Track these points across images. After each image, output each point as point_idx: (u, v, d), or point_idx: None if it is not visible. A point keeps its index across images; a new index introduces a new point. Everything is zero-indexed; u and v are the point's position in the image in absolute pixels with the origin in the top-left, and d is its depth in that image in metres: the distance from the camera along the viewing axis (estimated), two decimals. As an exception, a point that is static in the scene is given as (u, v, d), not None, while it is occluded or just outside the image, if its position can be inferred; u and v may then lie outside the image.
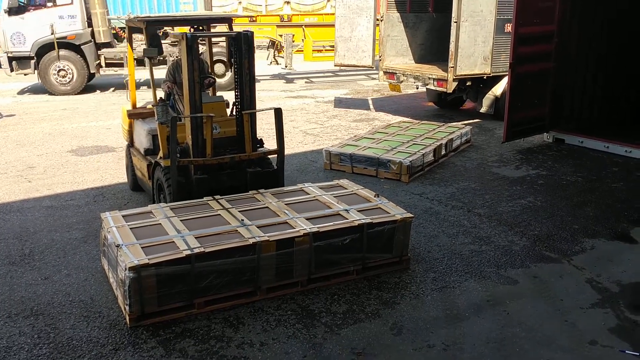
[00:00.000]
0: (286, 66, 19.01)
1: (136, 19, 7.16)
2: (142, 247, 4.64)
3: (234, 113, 6.39)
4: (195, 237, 4.81)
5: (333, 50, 19.04)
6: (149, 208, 5.55)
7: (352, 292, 5.05)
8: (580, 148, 9.71)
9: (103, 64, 15.67)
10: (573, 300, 4.95)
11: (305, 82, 17.80)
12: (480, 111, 11.91)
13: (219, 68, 13.99)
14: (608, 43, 10.29)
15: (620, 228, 6.50)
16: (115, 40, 16.33)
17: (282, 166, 6.42)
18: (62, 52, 14.93)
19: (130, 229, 5.02)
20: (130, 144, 7.53)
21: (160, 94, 6.97)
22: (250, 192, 5.96)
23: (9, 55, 14.89)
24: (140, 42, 16.59)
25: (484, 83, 11.65)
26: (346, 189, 6.14)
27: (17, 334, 4.41)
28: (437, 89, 11.67)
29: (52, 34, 14.61)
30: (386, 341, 4.35)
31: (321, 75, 19.30)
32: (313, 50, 18.97)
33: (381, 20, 12.54)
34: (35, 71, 15.07)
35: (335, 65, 13.24)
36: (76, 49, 15.19)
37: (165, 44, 14.53)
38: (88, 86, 15.94)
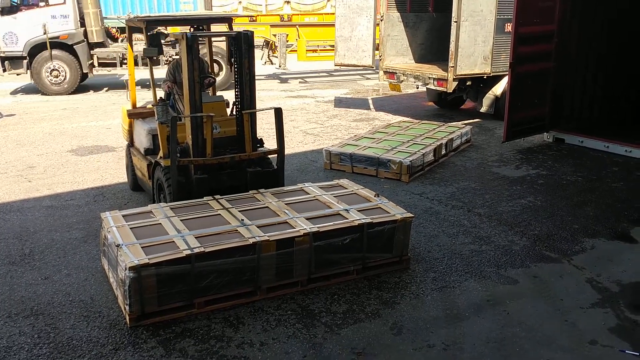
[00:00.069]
0: (280, 66, 19.00)
1: (136, 18, 7.16)
2: (142, 247, 4.64)
3: (234, 113, 6.39)
4: (196, 237, 4.81)
5: (327, 50, 19.13)
6: (149, 208, 5.55)
7: (352, 292, 5.05)
8: (581, 148, 9.72)
9: (96, 63, 15.60)
10: (573, 300, 4.95)
11: (299, 82, 17.79)
12: (481, 111, 11.91)
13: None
14: (608, 43, 10.29)
15: (620, 228, 6.50)
16: (109, 40, 16.29)
17: (282, 166, 6.42)
18: (55, 52, 14.86)
19: (131, 228, 5.02)
20: (130, 143, 7.53)
21: (160, 93, 6.97)
22: (251, 191, 5.96)
23: (2, 55, 14.83)
24: (137, 42, 16.67)
25: (484, 83, 11.65)
26: (346, 188, 6.14)
27: (17, 334, 4.42)
28: (437, 88, 11.67)
29: (44, 33, 14.54)
30: (386, 341, 4.35)
31: (315, 75, 19.30)
32: (307, 50, 18.94)
33: (381, 20, 12.54)
34: (28, 71, 15.00)
35: (335, 65, 13.24)
36: (69, 48, 15.11)
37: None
38: (81, 86, 15.90)
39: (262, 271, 4.83)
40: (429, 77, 11.61)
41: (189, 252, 4.55)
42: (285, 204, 5.61)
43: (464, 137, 9.84)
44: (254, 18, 21.58)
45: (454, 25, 10.72)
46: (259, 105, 6.61)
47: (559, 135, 10.14)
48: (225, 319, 4.61)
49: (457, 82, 11.13)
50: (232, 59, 6.24)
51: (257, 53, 19.65)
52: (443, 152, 9.02)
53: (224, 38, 7.82)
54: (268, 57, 19.88)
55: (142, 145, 6.95)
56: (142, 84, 15.35)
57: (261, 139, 6.57)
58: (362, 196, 5.90)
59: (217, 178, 6.15)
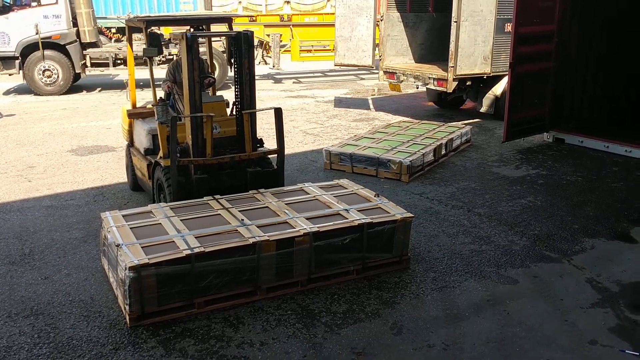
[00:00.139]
0: (274, 66, 18.99)
1: (136, 18, 7.16)
2: (142, 247, 4.64)
3: (234, 113, 6.39)
4: (195, 237, 4.81)
5: (322, 50, 19.12)
6: (149, 208, 5.55)
7: (352, 291, 5.05)
8: (580, 148, 9.72)
9: (88, 63, 15.56)
10: (573, 300, 4.95)
11: (294, 82, 17.78)
12: (480, 111, 11.91)
13: None
14: (608, 43, 10.29)
15: (620, 228, 6.50)
16: (102, 40, 16.25)
17: (282, 166, 6.42)
18: (47, 52, 14.82)
19: (130, 228, 5.02)
20: (130, 143, 7.53)
21: (160, 93, 6.97)
22: (250, 191, 5.96)
23: None
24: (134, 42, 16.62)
25: (484, 83, 11.65)
26: (346, 188, 6.14)
27: (17, 334, 4.41)
28: (437, 88, 11.67)
29: (36, 33, 14.49)
30: (386, 341, 4.35)
31: (310, 75, 19.29)
32: (300, 50, 18.92)
33: (381, 20, 12.54)
34: (20, 71, 14.95)
35: (335, 65, 13.24)
36: (61, 48, 15.06)
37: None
38: (74, 86, 15.88)
39: (262, 271, 4.83)
40: (429, 77, 11.61)
41: (189, 252, 4.55)
42: (285, 204, 5.61)
43: (464, 137, 9.85)
44: (254, 18, 21.58)
45: (454, 25, 10.72)
46: (258, 105, 6.61)
47: (559, 135, 10.14)
48: (225, 319, 4.61)
49: (457, 82, 11.13)
50: (232, 59, 6.23)
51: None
52: (443, 152, 9.02)
53: (218, 38, 7.83)
54: (262, 57, 19.87)
55: (142, 145, 6.95)
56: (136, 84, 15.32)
57: (261, 139, 6.57)
58: (362, 196, 5.90)
59: (217, 178, 6.15)
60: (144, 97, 11.69)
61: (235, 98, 6.26)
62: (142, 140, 6.95)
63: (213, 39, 9.80)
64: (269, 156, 6.56)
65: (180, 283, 4.54)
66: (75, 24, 15.18)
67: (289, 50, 19.33)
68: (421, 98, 14.42)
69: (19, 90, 15.91)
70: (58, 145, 10.12)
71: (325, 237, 5.03)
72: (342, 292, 5.04)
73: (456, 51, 10.79)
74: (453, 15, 10.69)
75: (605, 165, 8.79)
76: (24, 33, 14.63)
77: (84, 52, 15.43)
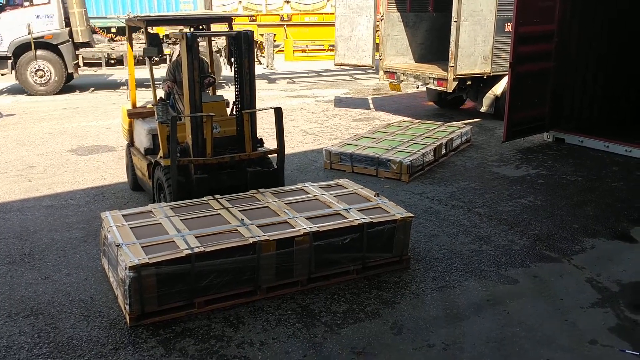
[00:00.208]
0: (267, 66, 18.97)
1: (136, 18, 7.16)
2: (142, 247, 4.64)
3: (234, 112, 6.39)
4: (196, 237, 4.81)
5: (316, 50, 19.06)
6: (149, 207, 5.55)
7: (352, 291, 5.05)
8: (581, 147, 9.71)
9: (81, 63, 15.56)
10: (573, 299, 4.95)
11: (287, 82, 17.77)
12: (481, 110, 11.91)
13: None
14: (608, 43, 10.29)
15: (620, 227, 6.50)
16: (95, 40, 16.24)
17: (282, 166, 6.42)
18: (40, 52, 14.78)
19: (131, 228, 5.02)
20: (131, 143, 7.53)
21: (160, 93, 6.97)
22: (251, 191, 5.96)
23: None
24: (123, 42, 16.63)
25: (484, 82, 11.65)
26: (346, 188, 6.14)
27: (17, 334, 4.41)
28: (437, 88, 11.66)
29: (29, 33, 14.45)
30: (386, 340, 4.35)
31: (304, 75, 19.27)
32: (294, 50, 18.86)
33: (381, 20, 12.54)
34: (13, 71, 14.91)
35: (335, 65, 13.25)
36: (54, 48, 15.03)
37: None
38: (68, 86, 15.87)
39: (262, 271, 4.83)
40: (429, 77, 11.61)
41: (189, 251, 4.55)
42: (285, 203, 5.61)
43: (464, 137, 9.84)
44: (254, 18, 21.57)
45: (454, 25, 10.72)
46: (258, 105, 6.61)
47: (559, 135, 10.14)
48: (225, 319, 4.61)
49: (457, 82, 11.13)
50: (232, 59, 6.23)
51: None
52: (443, 151, 9.02)
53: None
54: (256, 57, 19.84)
55: (142, 145, 6.95)
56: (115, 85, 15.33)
57: (261, 139, 6.57)
58: (362, 196, 5.91)
59: (217, 178, 6.15)
60: (144, 97, 11.68)
61: (236, 98, 6.26)
62: (142, 140, 6.95)
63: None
64: (269, 156, 6.56)
65: (181, 283, 4.54)
66: (68, 24, 15.15)
67: (283, 50, 19.26)
68: (421, 98, 14.42)
69: (12, 91, 15.87)
70: (58, 145, 10.12)
71: (325, 237, 5.03)
72: (342, 291, 5.04)
73: (456, 51, 10.79)
74: (453, 15, 10.69)
75: (605, 165, 8.79)
76: (16, 33, 14.58)
77: (77, 52, 15.40)
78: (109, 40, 16.76)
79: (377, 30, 12.63)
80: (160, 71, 15.66)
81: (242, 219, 5.16)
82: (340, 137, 10.34)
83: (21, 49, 14.75)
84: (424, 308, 4.80)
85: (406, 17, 12.88)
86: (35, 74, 14.94)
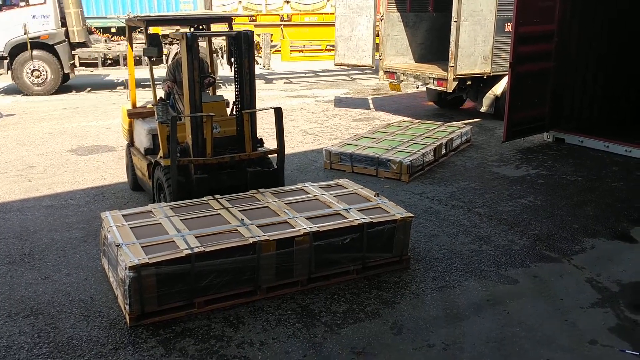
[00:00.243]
0: (264, 66, 18.96)
1: (136, 18, 7.16)
2: (142, 247, 4.64)
3: (234, 112, 6.38)
4: (195, 237, 4.81)
5: (313, 50, 19.03)
6: (149, 207, 5.55)
7: (352, 291, 5.05)
8: (580, 147, 9.71)
9: (77, 63, 15.53)
10: (573, 299, 4.95)
11: (284, 82, 17.76)
12: (480, 111, 11.91)
13: None
14: (608, 42, 10.29)
15: (620, 227, 6.50)
16: (92, 40, 16.22)
17: (282, 166, 6.42)
18: (36, 52, 14.75)
19: (130, 228, 5.02)
20: (131, 143, 7.53)
21: (160, 93, 6.97)
22: (251, 191, 5.96)
23: None
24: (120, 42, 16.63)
25: (484, 82, 11.65)
26: (346, 188, 6.14)
27: (17, 333, 4.41)
28: (437, 88, 11.66)
29: (25, 33, 14.40)
30: (386, 340, 4.35)
31: (302, 75, 19.25)
32: (291, 51, 18.82)
33: (381, 20, 12.54)
34: (9, 71, 14.89)
35: (335, 65, 13.25)
36: (50, 48, 14.99)
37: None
38: (64, 87, 15.85)
39: (262, 271, 4.83)
40: (429, 77, 11.61)
41: (189, 251, 4.55)
42: (285, 203, 5.61)
43: (464, 137, 9.84)
44: (254, 18, 21.57)
45: (454, 25, 10.72)
46: (258, 105, 6.61)
47: (559, 135, 10.14)
48: (225, 319, 4.61)
49: (457, 82, 11.13)
50: (232, 59, 6.23)
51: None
52: (443, 151, 9.02)
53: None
54: None
55: (142, 145, 6.95)
56: (106, 85, 15.27)
57: (261, 139, 6.57)
58: (362, 196, 5.90)
59: (217, 178, 6.15)
60: (144, 97, 11.68)
61: (236, 98, 6.26)
62: (142, 140, 6.95)
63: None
64: (269, 156, 6.56)
65: (180, 283, 4.54)
66: (64, 24, 15.12)
67: (280, 51, 19.23)
68: (421, 98, 14.42)
69: (8, 91, 15.84)
70: (58, 145, 10.12)
71: (325, 237, 5.03)
72: (342, 291, 5.04)
73: (456, 51, 10.79)
74: (453, 15, 10.69)
75: (605, 165, 8.79)
76: (12, 33, 14.53)
77: (73, 52, 15.38)
78: (105, 41, 16.75)
79: (377, 31, 12.64)
80: (158, 72, 15.67)
81: (242, 219, 5.16)
82: (340, 137, 10.34)
83: (17, 49, 14.72)
84: (424, 308, 4.80)
85: (406, 17, 12.88)
86: (32, 74, 14.91)
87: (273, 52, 18.96)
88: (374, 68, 13.44)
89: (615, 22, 10.17)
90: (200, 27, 6.89)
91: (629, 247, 6.04)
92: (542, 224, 6.55)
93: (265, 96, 14.77)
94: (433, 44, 13.22)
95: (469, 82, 11.54)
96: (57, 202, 7.26)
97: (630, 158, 9.03)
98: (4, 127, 11.53)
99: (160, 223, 5.12)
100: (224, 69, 14.13)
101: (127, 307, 4.46)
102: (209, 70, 7.35)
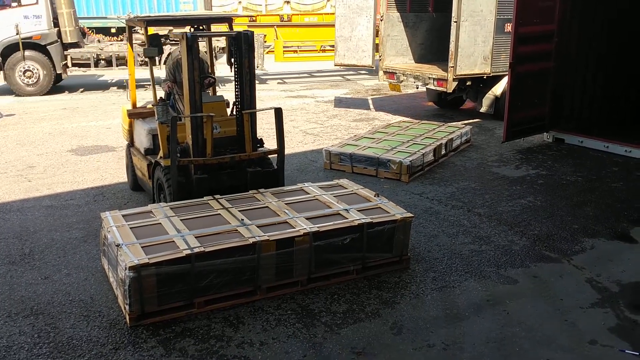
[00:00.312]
0: (258, 66, 18.95)
1: (136, 18, 7.16)
2: (142, 247, 4.64)
3: (234, 113, 6.39)
4: (195, 237, 4.81)
5: (307, 51, 19.04)
6: (149, 207, 5.55)
7: (352, 291, 5.05)
8: (580, 148, 9.72)
9: (70, 64, 15.50)
10: (573, 299, 4.95)
11: (278, 83, 17.76)
12: (480, 111, 11.91)
13: None
14: (608, 43, 10.29)
15: (620, 228, 6.50)
16: (84, 41, 16.20)
17: (282, 166, 6.42)
18: (28, 52, 14.73)
19: (130, 228, 5.02)
20: (131, 143, 7.53)
21: (161, 93, 6.97)
22: (250, 191, 5.96)
23: None
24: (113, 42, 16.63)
25: (484, 83, 11.65)
26: (346, 188, 6.14)
27: (17, 334, 4.41)
28: (437, 88, 11.67)
29: (17, 34, 14.37)
30: (386, 341, 4.35)
31: (296, 75, 19.24)
32: (285, 51, 18.82)
33: (381, 20, 12.55)
34: (1, 72, 14.88)
35: (335, 65, 13.25)
36: (42, 49, 14.96)
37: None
38: (57, 87, 15.85)
39: (262, 271, 4.84)
40: (429, 77, 11.61)
41: (189, 251, 4.55)
42: (285, 203, 5.61)
43: (464, 137, 9.85)
44: (254, 18, 21.58)
45: (453, 25, 10.72)
46: (258, 105, 6.62)
47: (559, 135, 10.14)
48: (225, 319, 4.61)
49: (457, 82, 11.13)
50: (232, 59, 6.24)
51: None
52: (443, 152, 9.03)
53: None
54: None
55: (142, 145, 6.95)
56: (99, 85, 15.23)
57: (261, 139, 6.57)
58: (362, 196, 5.91)
59: (217, 178, 6.15)
60: (144, 97, 11.67)
61: (236, 98, 6.26)
62: (143, 140, 6.95)
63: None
64: (269, 156, 6.56)
65: (180, 283, 4.54)
66: (56, 24, 15.09)
67: (273, 51, 19.23)
68: (421, 98, 14.42)
69: (0, 91, 15.84)
70: (58, 145, 10.12)
71: (325, 237, 5.03)
72: (342, 292, 5.04)
73: (456, 51, 10.79)
74: (453, 15, 10.69)
75: (605, 165, 8.79)
76: (4, 33, 14.49)
77: (65, 52, 15.36)
78: (98, 41, 16.76)
79: (377, 31, 12.65)
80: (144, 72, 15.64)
81: (242, 219, 5.16)
82: (340, 138, 10.34)
83: (9, 50, 14.69)
84: (424, 308, 4.80)
85: (406, 18, 12.89)
86: (24, 74, 14.89)
87: (267, 53, 18.94)
88: (374, 68, 13.43)
89: (615, 22, 10.17)
90: (201, 27, 6.89)
91: (629, 247, 6.04)
92: (542, 224, 6.55)
93: (265, 96, 14.77)
94: (433, 44, 13.22)
95: (468, 83, 11.54)
96: (57, 202, 7.26)
97: (630, 158, 9.03)
98: (4, 127, 11.53)
99: (160, 223, 5.12)
100: (218, 70, 14.11)
101: (127, 307, 4.46)
102: (209, 71, 7.35)
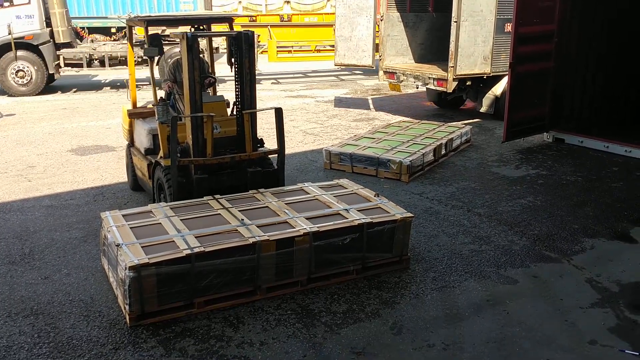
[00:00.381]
0: None
1: (136, 18, 7.16)
2: (142, 247, 4.64)
3: (235, 113, 6.39)
4: (195, 237, 4.81)
5: (301, 51, 19.01)
6: (149, 207, 5.55)
7: (352, 291, 5.05)
8: (580, 148, 9.71)
9: (62, 64, 15.47)
10: (573, 299, 4.95)
11: (272, 83, 17.75)
12: (480, 111, 11.91)
13: None
14: (608, 43, 10.29)
15: (620, 228, 6.50)
16: (78, 41, 16.16)
17: (283, 166, 6.42)
18: (20, 52, 14.70)
19: (130, 228, 5.02)
20: (131, 143, 7.53)
21: (161, 93, 6.97)
22: (251, 191, 5.96)
23: None
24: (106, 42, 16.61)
25: (484, 83, 11.65)
26: (346, 188, 6.14)
27: (17, 333, 4.42)
28: (437, 88, 11.67)
29: (9, 34, 14.34)
30: (386, 341, 4.36)
31: (290, 75, 19.22)
32: (279, 51, 18.78)
33: (381, 20, 12.55)
34: None
35: (335, 65, 13.26)
36: (34, 49, 14.94)
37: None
38: (50, 87, 15.83)
39: (262, 271, 4.84)
40: (429, 77, 11.61)
41: (189, 251, 4.55)
42: (285, 203, 5.61)
43: (464, 137, 9.84)
44: (254, 18, 21.58)
45: (453, 25, 10.72)
46: (259, 105, 6.62)
47: (559, 135, 10.14)
48: (225, 319, 4.61)
49: (457, 82, 11.13)
50: (233, 59, 6.24)
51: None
52: (443, 152, 9.03)
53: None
54: None
55: (143, 145, 6.95)
56: (90, 85, 15.07)
57: (261, 139, 6.57)
58: (362, 196, 5.91)
59: (217, 178, 6.15)
60: (144, 97, 11.68)
61: (236, 98, 6.26)
62: (143, 140, 6.95)
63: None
64: (269, 156, 6.56)
65: (180, 283, 4.54)
66: (49, 24, 15.05)
67: (267, 51, 19.19)
68: (421, 98, 14.42)
69: None
70: (58, 145, 10.12)
71: (325, 237, 5.03)
72: (342, 292, 5.04)
73: (456, 51, 10.79)
74: (453, 15, 10.69)
75: (605, 165, 8.79)
76: None
77: (58, 52, 15.33)
78: (91, 41, 16.74)
79: (376, 31, 12.65)
80: (144, 72, 15.63)
81: (242, 219, 5.16)
82: (340, 137, 10.34)
83: (1, 50, 14.68)
84: (423, 308, 4.80)
85: (406, 18, 12.89)
86: (16, 74, 14.86)
87: (260, 53, 18.90)
88: (374, 68, 13.44)
89: (615, 22, 10.17)
90: (201, 27, 6.89)
91: (629, 247, 6.04)
92: (542, 224, 6.55)
93: (265, 96, 14.77)
94: (433, 44, 13.22)
95: (468, 83, 11.54)
96: (57, 202, 7.26)
97: (630, 158, 9.03)
98: (4, 127, 11.53)
99: (160, 223, 5.12)
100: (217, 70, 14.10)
101: (127, 307, 4.46)
102: (209, 71, 7.35)
